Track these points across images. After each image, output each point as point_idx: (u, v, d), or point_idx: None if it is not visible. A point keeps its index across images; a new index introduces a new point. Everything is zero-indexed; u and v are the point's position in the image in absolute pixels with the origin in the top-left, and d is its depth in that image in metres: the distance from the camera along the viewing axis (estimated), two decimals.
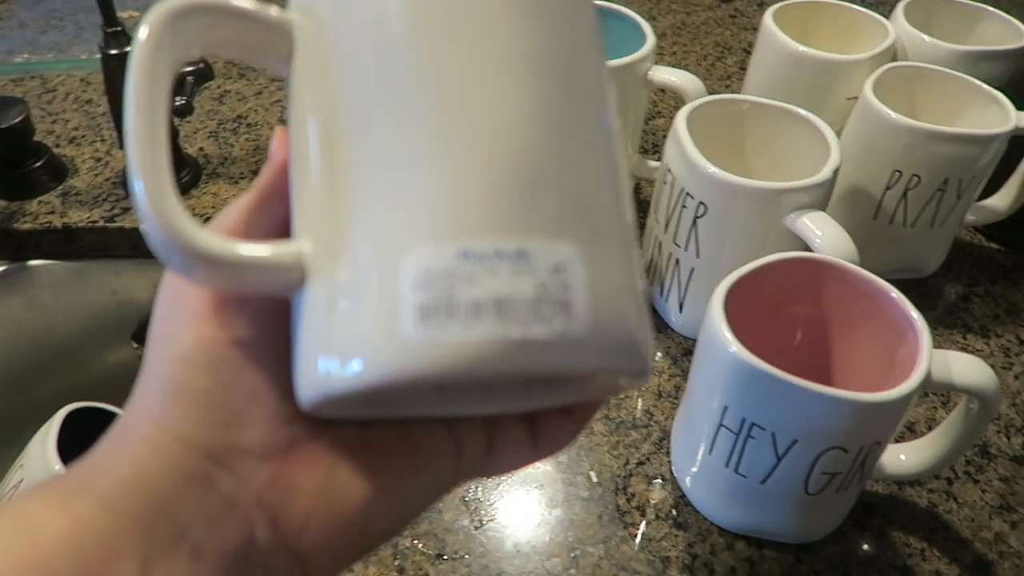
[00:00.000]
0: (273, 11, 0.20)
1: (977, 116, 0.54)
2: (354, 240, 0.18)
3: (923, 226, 0.54)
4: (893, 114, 0.50)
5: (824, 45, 0.58)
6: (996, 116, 0.52)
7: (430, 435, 0.22)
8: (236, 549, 0.20)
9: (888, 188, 0.52)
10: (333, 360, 0.18)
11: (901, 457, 0.40)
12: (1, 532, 0.19)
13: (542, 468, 0.45)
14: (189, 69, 0.53)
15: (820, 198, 0.45)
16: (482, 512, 0.42)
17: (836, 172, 0.46)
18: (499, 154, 0.18)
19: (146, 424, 0.20)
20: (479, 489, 0.44)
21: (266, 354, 0.20)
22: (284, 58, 0.20)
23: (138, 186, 0.17)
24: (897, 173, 0.52)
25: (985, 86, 0.54)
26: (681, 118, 0.48)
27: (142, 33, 0.18)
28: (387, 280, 0.17)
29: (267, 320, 0.21)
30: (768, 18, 0.60)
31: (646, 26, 0.57)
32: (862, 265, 0.40)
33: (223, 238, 0.19)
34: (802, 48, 0.57)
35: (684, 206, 0.47)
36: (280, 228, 0.21)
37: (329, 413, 0.20)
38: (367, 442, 0.21)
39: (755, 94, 0.54)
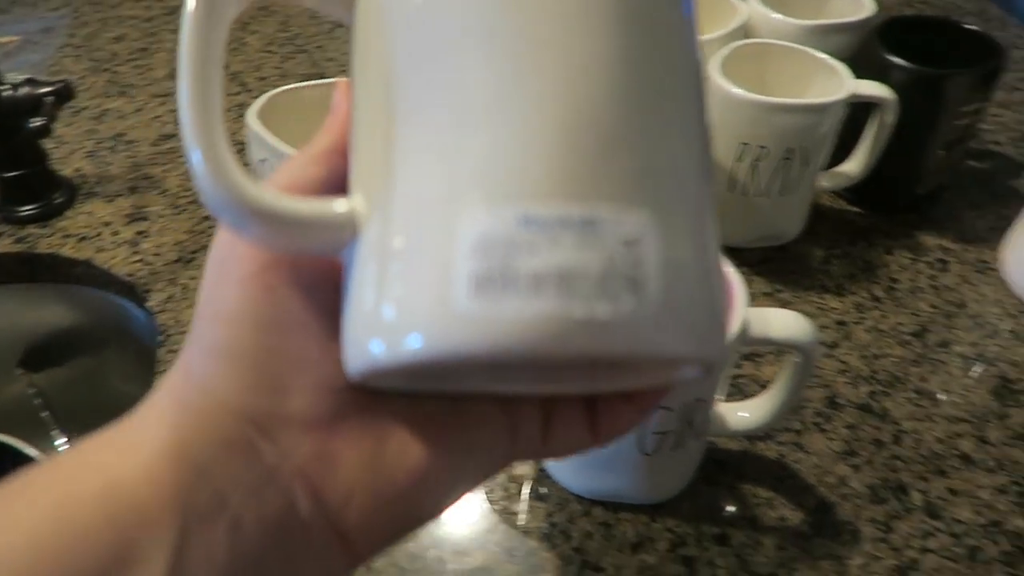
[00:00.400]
0: None
1: (821, 86, 0.57)
2: (408, 199, 0.17)
3: (775, 194, 0.56)
4: (735, 89, 0.52)
5: None
6: (836, 85, 0.55)
7: (484, 414, 0.21)
8: (276, 521, 0.19)
9: (738, 160, 0.55)
10: (381, 331, 0.16)
11: (742, 414, 0.43)
12: (37, 487, 0.18)
13: None
14: (47, 90, 0.53)
15: None
16: None
17: None
18: (569, 111, 0.16)
19: (189, 387, 0.20)
20: None
21: (315, 320, 0.19)
22: (347, 8, 0.20)
23: (192, 141, 0.17)
24: (744, 145, 0.54)
25: (825, 57, 0.56)
26: None
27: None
28: (441, 244, 0.16)
29: (318, 285, 0.20)
30: None
31: None
32: (723, 236, 0.42)
33: (276, 193, 0.18)
34: None
35: None
36: (336, 183, 0.20)
37: (377, 384, 0.19)
38: (418, 416, 0.20)
39: None
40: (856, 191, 0.64)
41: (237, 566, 0.18)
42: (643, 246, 0.16)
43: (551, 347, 0.15)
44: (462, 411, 0.21)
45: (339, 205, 0.18)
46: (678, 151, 0.17)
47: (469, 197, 0.16)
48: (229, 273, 0.20)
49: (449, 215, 0.16)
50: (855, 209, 0.64)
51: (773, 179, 0.55)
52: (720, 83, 0.53)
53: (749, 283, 0.56)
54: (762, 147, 0.54)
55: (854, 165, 0.61)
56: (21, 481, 0.18)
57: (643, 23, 0.17)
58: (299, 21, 0.85)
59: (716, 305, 0.17)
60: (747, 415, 0.43)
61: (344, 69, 0.75)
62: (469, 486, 0.22)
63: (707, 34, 0.60)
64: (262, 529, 0.19)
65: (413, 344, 0.16)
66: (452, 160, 0.16)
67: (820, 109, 0.52)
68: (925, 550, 0.41)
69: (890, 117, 0.57)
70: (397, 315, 0.16)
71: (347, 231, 0.18)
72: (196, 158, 0.17)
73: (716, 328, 0.18)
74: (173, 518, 0.18)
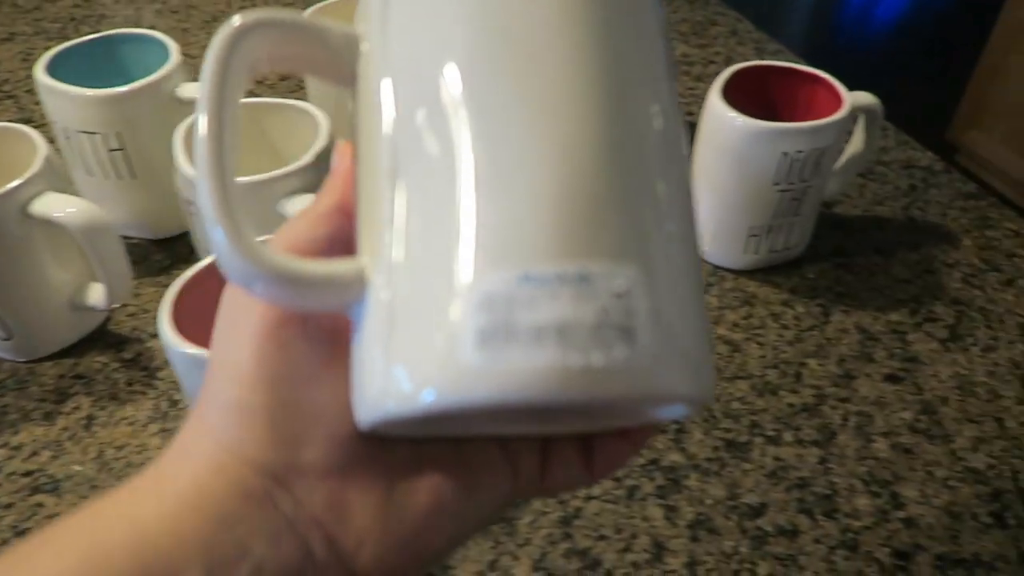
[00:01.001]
0: (339, 29, 0.20)
1: None
2: (416, 262, 0.18)
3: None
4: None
5: None
6: None
7: (485, 455, 0.22)
8: (294, 567, 0.20)
9: None
10: (391, 382, 0.18)
11: None
12: (64, 537, 0.19)
13: None
14: None
15: (311, 182, 0.48)
16: None
17: (322, 156, 0.49)
18: (563, 177, 0.17)
19: (207, 441, 0.20)
20: None
21: (326, 373, 0.20)
22: (349, 75, 0.21)
23: (213, 221, 0.18)
24: None
25: None
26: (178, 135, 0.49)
27: (209, 58, 0.18)
28: (447, 303, 0.17)
29: (327, 338, 0.21)
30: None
31: (171, 45, 0.58)
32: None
33: (290, 257, 0.19)
34: None
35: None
36: (340, 242, 0.21)
37: (386, 432, 0.20)
38: (424, 462, 0.21)
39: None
40: None
41: None
42: (633, 298, 0.17)
43: (552, 393, 0.16)
44: (465, 455, 0.22)
45: (347, 266, 0.19)
46: (663, 208, 0.19)
47: (472, 259, 0.17)
48: (240, 331, 0.20)
49: (454, 276, 0.17)
50: None
51: None
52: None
53: None
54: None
55: None
56: (48, 531, 0.19)
57: (630, 90, 0.19)
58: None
59: (703, 348, 0.19)
60: None
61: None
62: (475, 527, 0.22)
63: None
64: (282, 574, 0.19)
65: (426, 397, 0.17)
66: (454, 224, 0.17)
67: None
68: (589, 497, 0.45)
69: None
70: (408, 370, 0.17)
71: (356, 290, 0.19)
72: (219, 236, 0.18)
73: (704, 369, 0.19)
74: (198, 566, 0.18)
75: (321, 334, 0.20)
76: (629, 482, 0.46)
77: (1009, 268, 0.61)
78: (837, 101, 0.54)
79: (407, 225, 0.18)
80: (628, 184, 0.18)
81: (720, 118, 0.53)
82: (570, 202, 0.17)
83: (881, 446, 0.48)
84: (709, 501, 0.45)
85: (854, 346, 0.54)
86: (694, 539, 0.43)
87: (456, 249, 0.17)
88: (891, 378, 0.52)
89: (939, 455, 0.48)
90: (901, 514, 0.45)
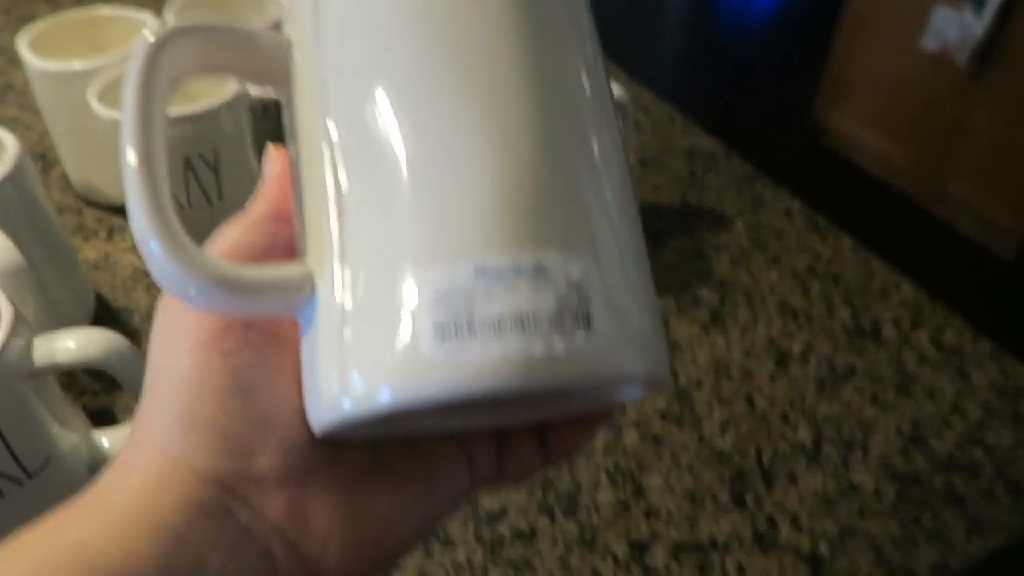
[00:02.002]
0: (269, 35, 0.20)
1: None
2: (366, 260, 0.18)
3: (204, 204, 0.56)
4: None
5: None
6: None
7: (440, 449, 0.22)
8: None
9: None
10: (348, 383, 0.17)
11: None
12: (4, 555, 0.18)
13: None
14: None
15: None
16: None
17: None
18: (508, 169, 0.17)
19: (155, 453, 0.19)
20: None
21: (274, 379, 0.20)
22: (280, 80, 0.20)
23: (146, 230, 0.17)
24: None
25: None
26: None
27: (131, 71, 0.18)
28: (403, 300, 0.17)
29: (271, 343, 0.20)
30: None
31: None
32: None
33: (230, 263, 0.18)
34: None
35: None
36: (278, 247, 0.21)
37: (341, 436, 0.19)
38: (380, 461, 0.21)
39: None
40: None
41: None
42: (588, 284, 0.17)
43: (515, 383, 0.16)
44: (422, 452, 0.22)
45: (293, 269, 0.18)
46: (607, 194, 0.19)
47: (425, 254, 0.17)
48: (180, 341, 0.20)
49: (409, 272, 0.17)
50: None
51: (190, 191, 0.55)
52: (102, 114, 0.52)
53: None
54: None
55: None
56: None
57: (567, 82, 0.19)
58: None
59: (656, 329, 0.19)
60: None
61: None
62: (435, 521, 0.22)
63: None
64: None
65: (383, 396, 0.17)
66: (403, 222, 0.17)
67: (202, 117, 0.52)
68: None
69: None
70: (363, 370, 0.17)
71: (303, 294, 0.18)
72: (154, 246, 0.17)
73: (658, 349, 0.19)
74: None
75: (265, 340, 0.20)
76: None
77: (776, 247, 0.61)
78: None
79: (354, 225, 0.18)
80: (572, 172, 0.18)
81: None
82: (518, 193, 0.17)
83: (630, 437, 0.48)
84: None
85: None
86: (427, 553, 0.42)
87: (407, 246, 0.17)
88: None
89: (687, 441, 0.48)
90: (643, 504, 0.44)
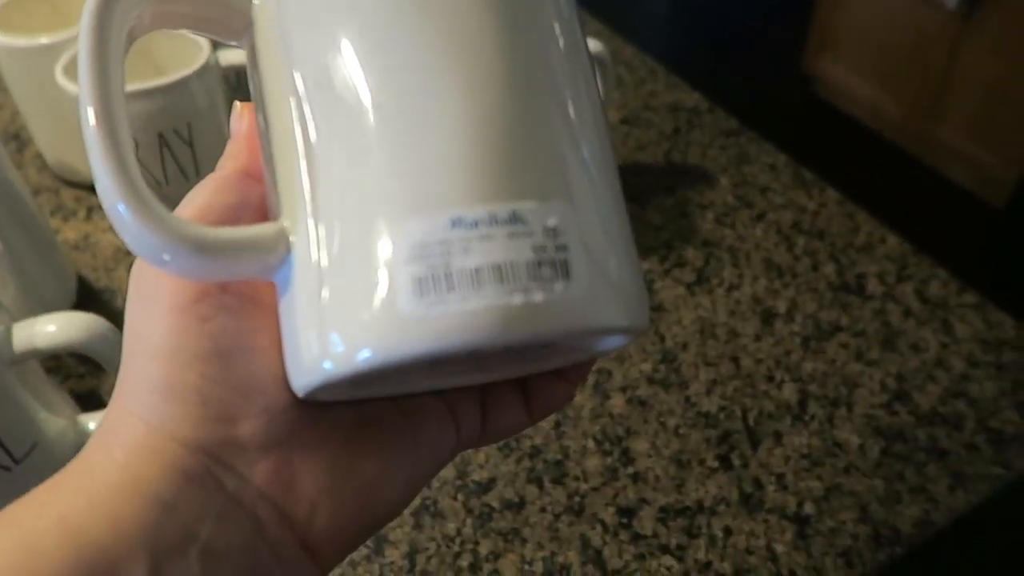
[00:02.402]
0: None
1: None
2: (340, 217, 0.17)
3: (181, 180, 0.55)
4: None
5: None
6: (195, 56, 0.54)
7: (425, 408, 0.22)
8: (245, 544, 0.19)
9: None
10: (328, 342, 0.17)
11: None
12: None
13: None
14: None
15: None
16: None
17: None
18: (479, 119, 0.17)
19: (137, 423, 0.19)
20: None
21: (253, 343, 0.19)
22: (240, 32, 0.20)
23: (113, 193, 0.16)
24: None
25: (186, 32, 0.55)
26: None
27: (83, 27, 0.17)
28: (378, 255, 0.16)
29: (248, 307, 0.20)
30: None
31: None
32: None
33: (199, 224, 0.17)
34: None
35: None
36: (250, 206, 0.20)
37: (323, 397, 0.19)
38: (366, 421, 0.21)
39: None
40: None
41: None
42: (565, 233, 0.17)
43: (496, 335, 0.16)
44: (407, 411, 0.22)
45: (267, 229, 0.18)
46: (583, 143, 0.18)
47: (399, 208, 0.17)
48: (157, 307, 0.19)
49: (384, 226, 0.16)
50: None
51: (166, 167, 0.54)
52: (67, 89, 0.51)
53: None
54: (133, 140, 0.52)
55: None
56: None
57: (534, 28, 0.19)
58: None
59: (636, 277, 0.19)
60: None
61: None
62: (422, 481, 0.22)
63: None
64: (233, 554, 0.19)
65: (363, 354, 0.16)
66: (376, 175, 0.17)
67: (170, 88, 0.51)
68: None
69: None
70: (343, 329, 0.17)
71: (278, 254, 0.18)
72: (123, 211, 0.16)
73: (638, 297, 0.19)
74: (142, 557, 0.17)
75: (242, 303, 0.20)
76: None
77: (761, 203, 0.61)
78: None
79: (327, 181, 0.18)
80: (546, 120, 0.18)
81: None
82: (492, 142, 0.17)
83: (617, 402, 0.48)
84: (436, 484, 0.44)
85: None
86: (417, 526, 0.42)
87: (381, 199, 0.17)
88: None
89: (673, 404, 0.48)
90: (630, 470, 0.44)
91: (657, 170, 0.64)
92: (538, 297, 0.16)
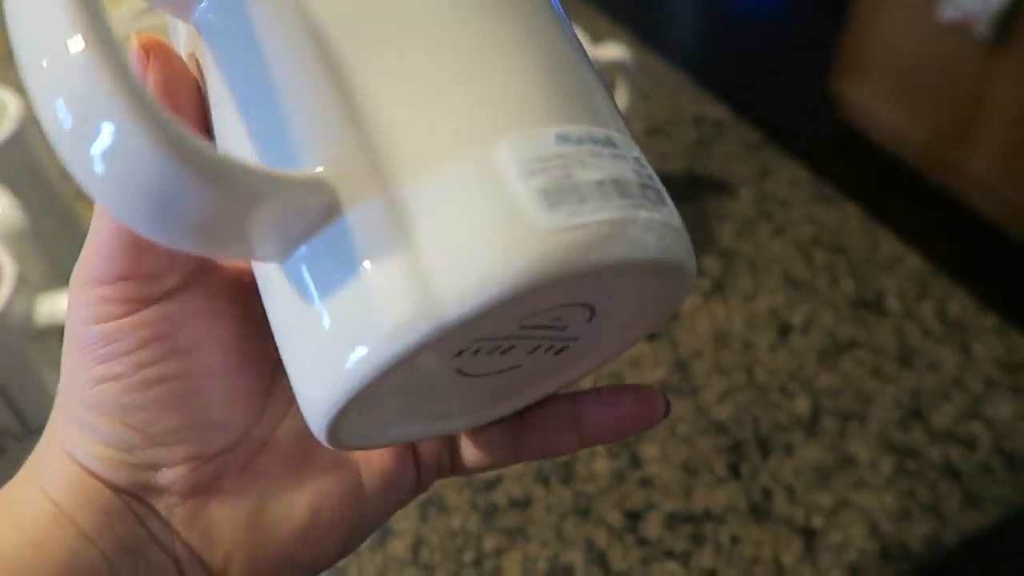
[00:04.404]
0: None
1: None
2: (424, 145, 0.15)
3: None
4: None
5: None
6: None
7: (392, 449, 0.21)
8: None
9: None
10: (443, 281, 0.14)
11: None
12: None
13: None
14: None
15: None
16: None
17: None
18: (549, 53, 0.16)
19: (64, 456, 0.19)
20: None
21: (185, 388, 0.19)
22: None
23: (104, 81, 0.11)
24: None
25: None
26: None
27: None
28: (491, 174, 0.14)
29: (182, 351, 0.19)
30: None
31: None
32: None
33: (220, 151, 0.13)
34: None
35: None
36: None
37: (350, 426, 0.17)
38: (307, 464, 0.20)
39: None
40: None
41: None
42: (647, 165, 0.16)
43: (637, 248, 0.15)
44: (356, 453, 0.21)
45: (304, 172, 0.15)
46: (594, 73, 0.18)
47: (497, 127, 0.15)
48: (89, 349, 0.18)
49: (482, 147, 0.15)
50: None
51: None
52: None
53: None
54: None
55: None
56: None
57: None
58: None
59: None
60: None
61: None
62: (369, 529, 0.21)
63: None
64: None
65: (506, 277, 0.14)
66: (455, 101, 0.15)
67: None
68: None
69: None
70: (464, 259, 0.14)
71: (321, 199, 0.14)
72: (120, 110, 0.12)
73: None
74: None
75: (177, 346, 0.19)
76: None
77: (781, 217, 0.61)
78: None
79: (380, 116, 0.15)
80: (578, 50, 0.18)
81: None
82: (563, 73, 0.16)
83: None
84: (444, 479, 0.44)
85: None
86: (423, 519, 0.42)
87: (470, 123, 0.15)
88: (648, 336, 0.52)
89: (684, 411, 0.48)
90: (638, 474, 0.44)
91: (679, 181, 0.64)
92: (656, 216, 0.15)
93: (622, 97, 0.58)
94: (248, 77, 0.16)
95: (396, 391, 0.17)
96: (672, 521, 0.42)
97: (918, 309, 0.54)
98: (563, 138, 0.15)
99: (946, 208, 1.76)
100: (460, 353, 0.17)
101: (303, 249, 0.15)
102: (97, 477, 0.19)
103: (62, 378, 0.19)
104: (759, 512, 0.43)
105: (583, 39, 0.53)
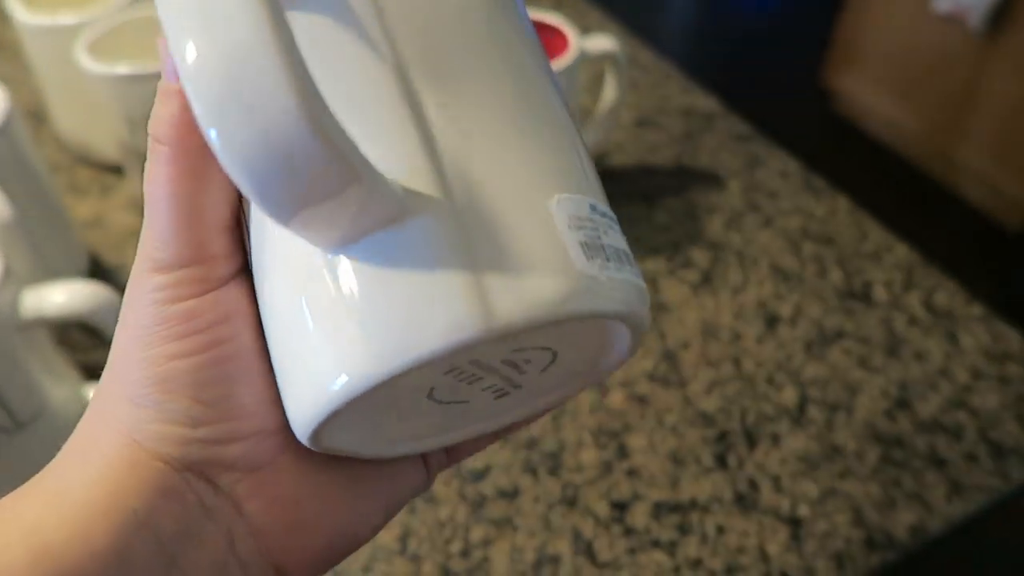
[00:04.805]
0: None
1: None
2: (491, 179, 0.17)
3: None
4: (101, 69, 0.51)
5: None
6: None
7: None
8: (217, 561, 0.19)
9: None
10: (498, 292, 0.16)
11: None
12: None
13: None
14: None
15: None
16: None
17: None
18: (573, 134, 0.20)
19: (119, 437, 0.18)
20: None
21: (252, 365, 0.19)
22: None
23: (282, 82, 0.13)
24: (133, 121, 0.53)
25: None
26: None
27: None
28: (542, 217, 0.17)
29: (245, 327, 0.19)
30: None
31: None
32: None
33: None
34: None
35: None
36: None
37: (331, 433, 0.18)
38: (344, 461, 0.21)
39: None
40: None
41: None
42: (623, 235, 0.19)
43: (636, 309, 0.18)
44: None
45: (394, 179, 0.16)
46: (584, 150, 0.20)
47: (553, 185, 0.17)
48: (151, 332, 0.18)
49: (542, 196, 0.17)
50: None
51: None
52: (90, 66, 0.51)
53: None
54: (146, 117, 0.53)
55: None
56: None
57: (547, 71, 0.20)
58: None
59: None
60: None
61: None
62: (389, 517, 0.22)
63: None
64: (204, 571, 0.19)
65: (547, 298, 0.16)
66: (520, 153, 0.18)
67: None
68: None
69: None
70: (518, 281, 0.16)
71: (392, 204, 0.16)
72: (290, 104, 0.13)
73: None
74: (114, 572, 0.17)
75: (235, 323, 0.19)
76: None
77: (770, 208, 0.61)
78: (566, 48, 0.53)
79: (456, 153, 0.17)
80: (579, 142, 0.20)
81: None
82: (580, 152, 0.19)
83: (616, 398, 0.48)
84: None
85: None
86: (411, 510, 0.42)
87: (533, 175, 0.17)
88: None
89: (672, 402, 0.48)
90: (625, 465, 0.44)
91: (667, 172, 0.64)
92: (643, 283, 0.19)
93: (611, 89, 0.58)
94: (336, 90, 0.17)
95: (390, 400, 0.18)
96: (659, 511, 0.42)
97: (906, 299, 0.54)
98: (593, 208, 0.18)
99: (938, 199, 1.76)
100: (449, 371, 0.19)
101: (363, 243, 0.16)
102: (159, 457, 0.18)
103: (114, 360, 0.19)
104: (745, 502, 0.43)
105: (574, 31, 0.54)
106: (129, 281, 0.19)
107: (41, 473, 0.19)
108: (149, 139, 0.18)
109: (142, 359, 0.18)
